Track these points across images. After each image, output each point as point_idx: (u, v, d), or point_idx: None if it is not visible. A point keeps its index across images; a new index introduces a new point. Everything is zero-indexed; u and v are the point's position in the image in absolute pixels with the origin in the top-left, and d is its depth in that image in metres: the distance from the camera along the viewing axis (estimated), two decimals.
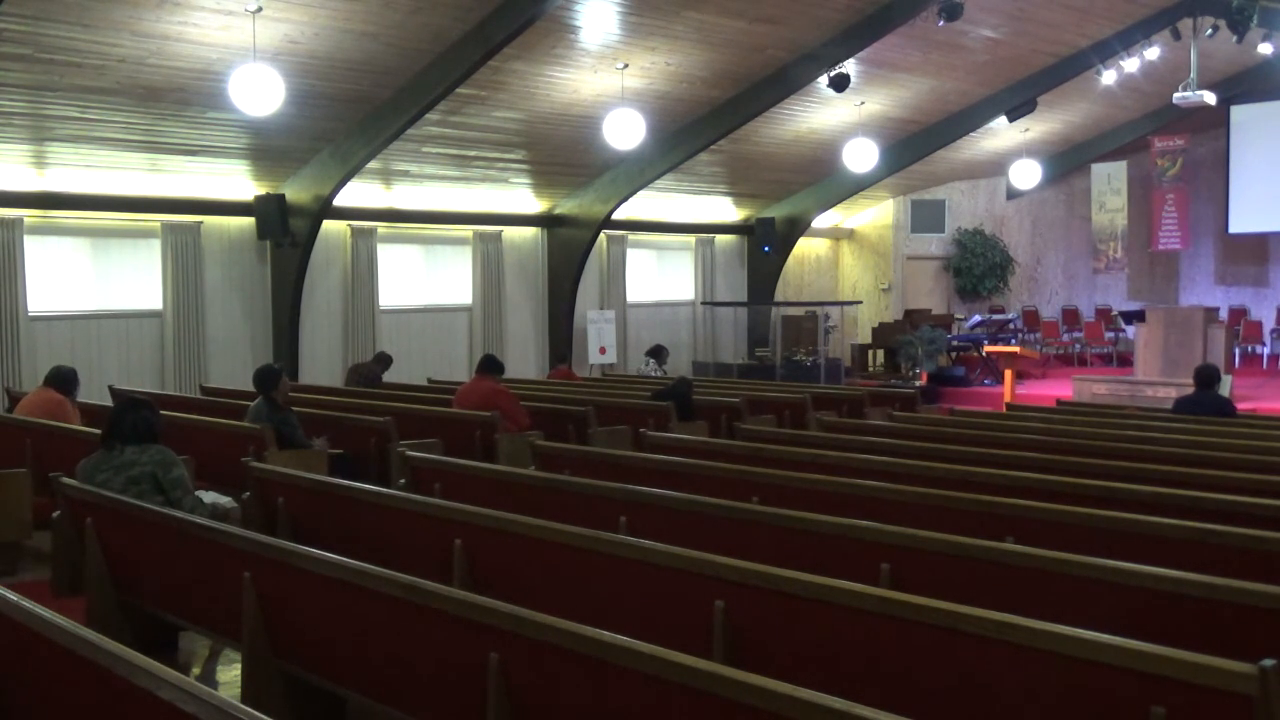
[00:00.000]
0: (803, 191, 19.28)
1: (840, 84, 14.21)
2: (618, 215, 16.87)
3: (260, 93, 10.30)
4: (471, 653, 3.44)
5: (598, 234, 16.84)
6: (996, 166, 20.69)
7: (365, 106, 12.41)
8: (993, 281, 21.52)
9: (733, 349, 19.85)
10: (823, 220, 20.55)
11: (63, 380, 8.73)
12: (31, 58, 10.06)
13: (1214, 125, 19.69)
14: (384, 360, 13.08)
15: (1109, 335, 20.56)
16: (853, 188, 18.82)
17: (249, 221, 13.73)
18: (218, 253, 13.70)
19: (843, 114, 16.24)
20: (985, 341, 18.57)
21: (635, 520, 5.40)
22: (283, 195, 13.43)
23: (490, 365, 10.05)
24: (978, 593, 3.90)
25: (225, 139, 12.43)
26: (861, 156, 16.12)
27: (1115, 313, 20.63)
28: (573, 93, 13.63)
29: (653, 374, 15.03)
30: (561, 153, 15.31)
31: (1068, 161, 21.08)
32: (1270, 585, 3.68)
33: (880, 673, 3.51)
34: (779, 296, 20.20)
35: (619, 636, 3.10)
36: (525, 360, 16.79)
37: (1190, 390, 10.00)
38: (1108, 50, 15.80)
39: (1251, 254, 20.69)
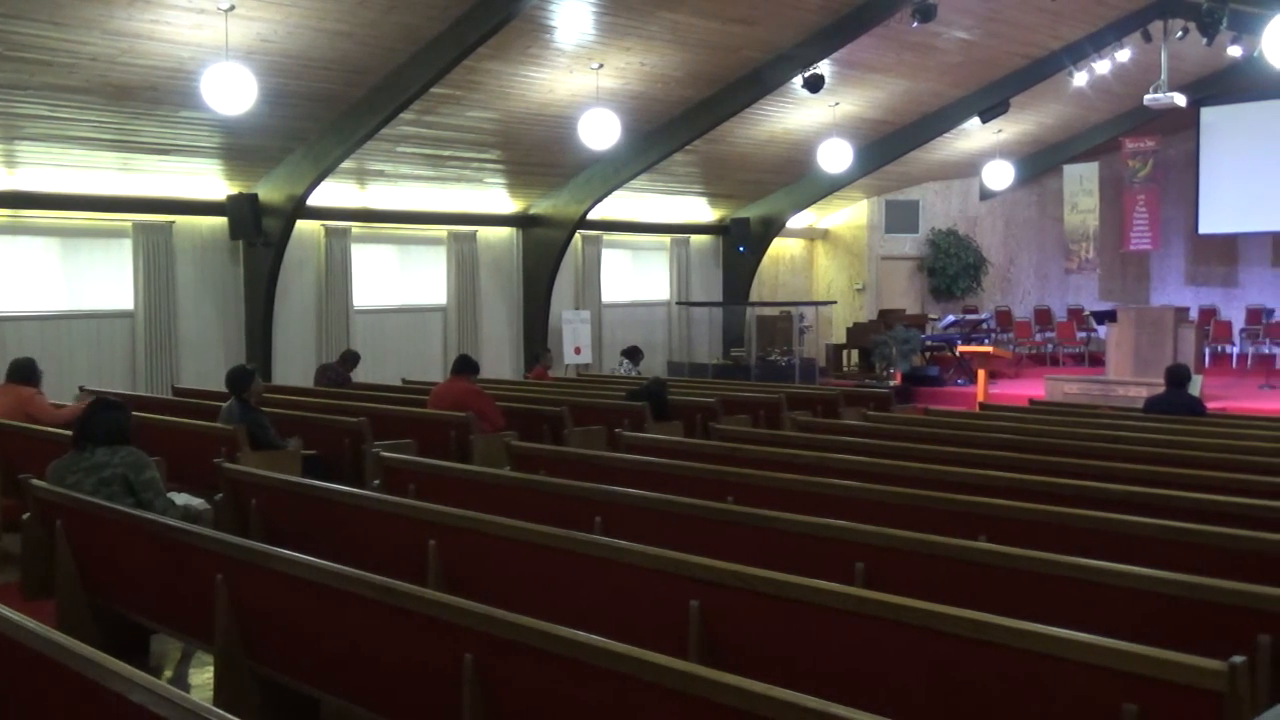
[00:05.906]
0: (777, 192, 19.33)
1: (814, 85, 14.25)
2: (593, 215, 16.85)
3: (233, 92, 10.24)
4: (446, 654, 3.43)
5: (573, 234, 16.83)
6: (970, 167, 20.79)
7: (339, 106, 12.35)
8: (966, 282, 21.63)
9: (708, 349, 19.87)
10: (797, 220, 20.60)
11: (24, 372, 8.61)
12: (1, 55, 9.97)
13: (1184, 127, 19.87)
14: (350, 359, 12.97)
15: (1081, 335, 20.71)
16: (827, 188, 18.89)
17: (221, 221, 13.64)
18: (190, 252, 13.61)
19: (817, 115, 16.28)
20: (959, 341, 18.67)
21: (610, 520, 5.40)
22: (256, 195, 13.35)
23: (465, 365, 10.03)
24: (952, 591, 3.91)
25: (198, 138, 12.34)
26: (836, 157, 16.17)
27: (1087, 313, 20.78)
28: (548, 92, 13.61)
29: (627, 374, 15.05)
30: (536, 153, 15.29)
31: (1040, 163, 21.21)
32: (1241, 583, 3.72)
33: (855, 671, 3.53)
34: (754, 296, 20.24)
35: (594, 637, 3.09)
36: (500, 360, 16.75)
37: (1161, 390, 10.08)
38: (1080, 52, 15.90)
39: (1221, 255, 20.88)
